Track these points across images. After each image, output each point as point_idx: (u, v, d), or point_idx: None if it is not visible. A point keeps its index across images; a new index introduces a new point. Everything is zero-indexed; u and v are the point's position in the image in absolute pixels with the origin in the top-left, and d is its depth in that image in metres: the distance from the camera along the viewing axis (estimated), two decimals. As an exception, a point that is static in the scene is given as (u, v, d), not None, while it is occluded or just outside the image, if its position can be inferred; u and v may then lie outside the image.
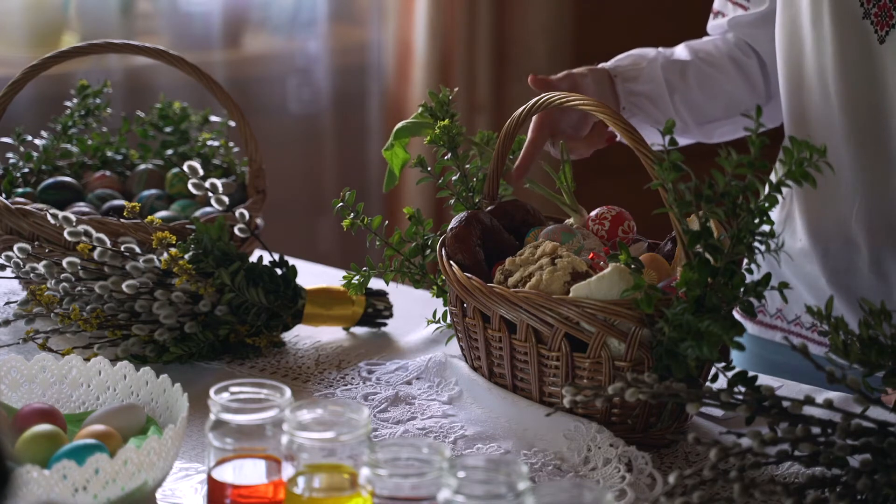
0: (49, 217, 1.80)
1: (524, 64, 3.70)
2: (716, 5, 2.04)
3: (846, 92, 1.83)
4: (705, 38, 2.07)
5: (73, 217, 1.78)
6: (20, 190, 2.03)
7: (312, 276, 2.04)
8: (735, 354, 2.09)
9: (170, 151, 2.16)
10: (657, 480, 1.47)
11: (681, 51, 2.03)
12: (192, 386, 1.62)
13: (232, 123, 2.15)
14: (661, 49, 2.01)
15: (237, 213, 1.86)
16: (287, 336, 1.89)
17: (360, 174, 3.67)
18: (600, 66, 1.95)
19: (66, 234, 1.76)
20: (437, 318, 1.86)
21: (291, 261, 1.87)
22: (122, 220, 1.88)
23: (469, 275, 1.61)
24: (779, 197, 1.45)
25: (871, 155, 1.84)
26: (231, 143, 2.16)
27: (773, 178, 1.55)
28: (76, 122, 2.12)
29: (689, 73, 2.00)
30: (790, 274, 1.97)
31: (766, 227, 1.47)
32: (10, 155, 2.09)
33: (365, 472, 1.25)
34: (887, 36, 1.78)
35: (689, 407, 1.34)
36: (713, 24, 2.05)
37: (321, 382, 1.76)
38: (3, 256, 1.79)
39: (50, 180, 2.04)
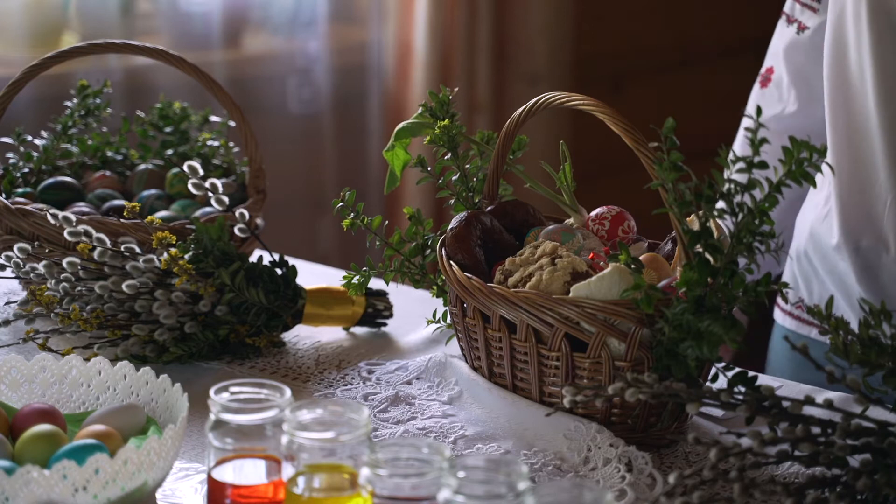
0: (49, 217, 1.80)
1: (524, 64, 3.69)
2: (786, 7, 2.06)
3: (884, 90, 1.85)
4: None
5: (73, 217, 1.78)
6: (20, 190, 2.03)
7: (312, 276, 2.04)
8: (773, 348, 2.11)
9: (170, 151, 2.16)
10: (657, 480, 1.47)
11: None
12: (192, 386, 1.62)
13: (232, 123, 2.14)
14: None
15: (237, 213, 1.86)
16: (287, 336, 1.89)
17: (360, 174, 3.67)
18: None
19: (66, 234, 1.76)
20: (437, 318, 1.86)
21: (291, 261, 1.87)
22: (122, 220, 1.88)
23: (469, 275, 1.61)
24: (779, 197, 1.45)
25: None
26: (231, 143, 2.16)
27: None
28: (76, 122, 2.11)
29: None
30: (823, 272, 1.98)
31: (766, 227, 1.47)
32: (10, 155, 2.09)
33: (365, 472, 1.25)
34: None
35: (689, 407, 1.34)
36: (792, 38, 2.06)
37: (321, 382, 1.76)
38: (3, 256, 1.79)
39: (50, 180, 2.04)
